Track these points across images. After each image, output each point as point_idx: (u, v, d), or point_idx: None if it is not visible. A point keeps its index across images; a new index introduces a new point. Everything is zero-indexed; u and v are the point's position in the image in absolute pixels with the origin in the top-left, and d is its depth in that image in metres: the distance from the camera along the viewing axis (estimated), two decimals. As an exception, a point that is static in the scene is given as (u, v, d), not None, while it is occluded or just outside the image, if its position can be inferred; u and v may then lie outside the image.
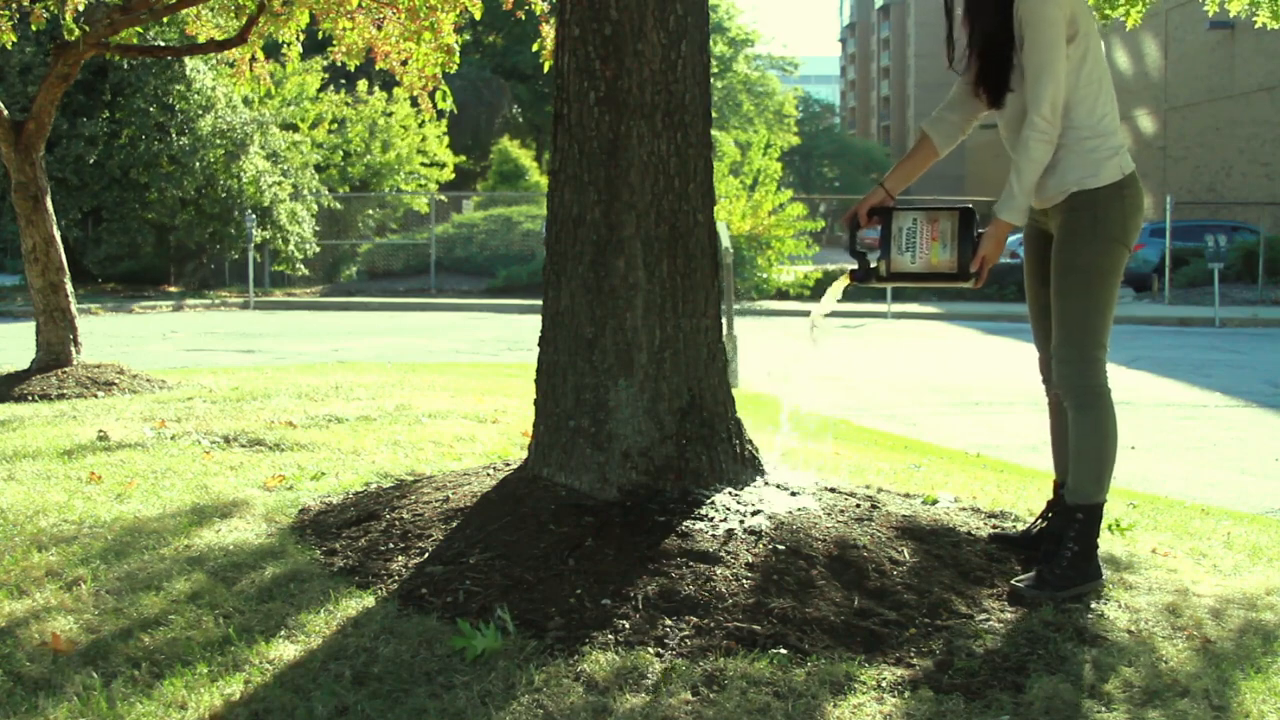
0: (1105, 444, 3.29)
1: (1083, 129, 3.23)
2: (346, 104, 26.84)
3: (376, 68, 8.10)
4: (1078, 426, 3.27)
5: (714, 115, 3.83)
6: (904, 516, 3.59)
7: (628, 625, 2.83)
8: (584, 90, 3.46)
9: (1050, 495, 3.66)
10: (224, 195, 22.15)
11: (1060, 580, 3.16)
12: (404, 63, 7.90)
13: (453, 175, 30.15)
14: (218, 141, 22.00)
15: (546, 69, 5.58)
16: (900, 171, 3.60)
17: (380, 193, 27.89)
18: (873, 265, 3.48)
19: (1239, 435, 7.86)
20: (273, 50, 8.69)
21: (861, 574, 3.14)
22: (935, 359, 13.28)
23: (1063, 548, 3.22)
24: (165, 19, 8.90)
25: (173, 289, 23.44)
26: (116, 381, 7.28)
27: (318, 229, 24.92)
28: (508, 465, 4.00)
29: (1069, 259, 3.26)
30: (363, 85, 27.27)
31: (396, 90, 11.08)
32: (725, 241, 9.59)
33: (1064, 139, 3.24)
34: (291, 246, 23.61)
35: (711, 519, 3.31)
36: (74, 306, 7.78)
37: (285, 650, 2.70)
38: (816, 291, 23.33)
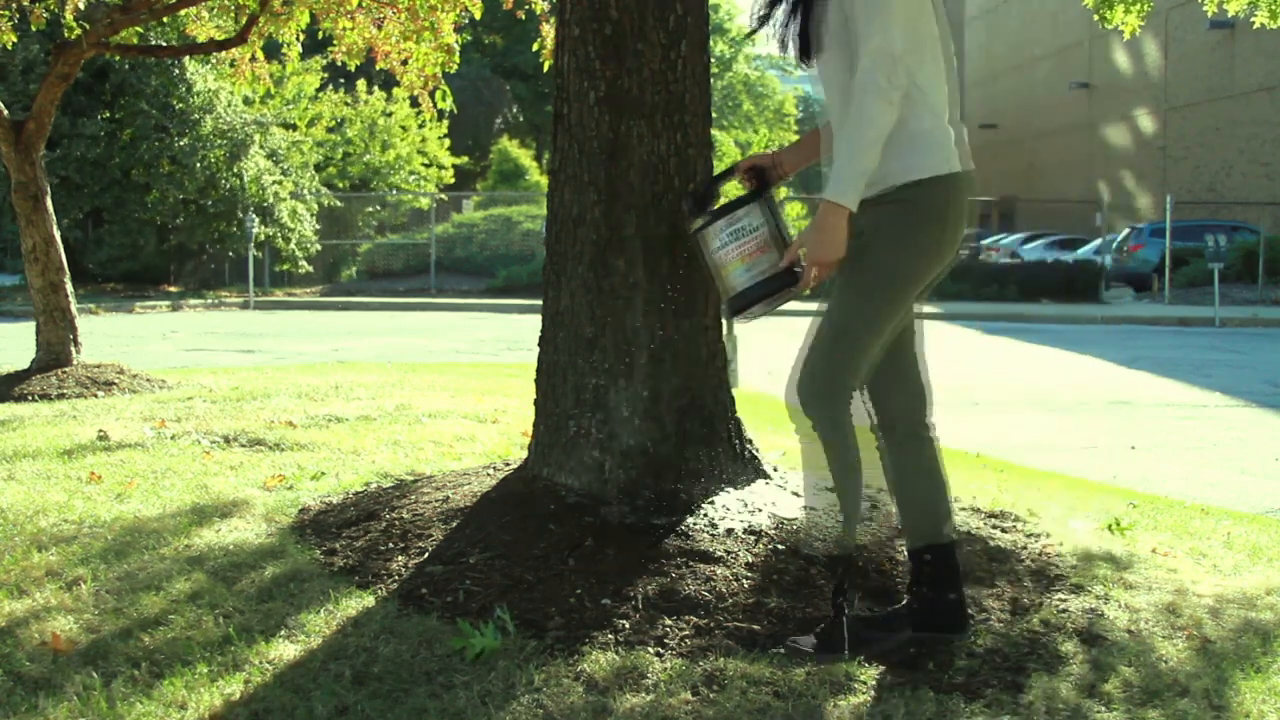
0: (844, 482, 2.83)
1: (923, 106, 2.66)
2: (346, 104, 26.84)
3: (376, 68, 8.10)
4: (829, 462, 2.81)
5: (714, 115, 3.83)
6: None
7: (628, 625, 2.83)
8: (584, 90, 3.46)
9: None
10: (225, 195, 22.15)
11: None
12: (404, 62, 7.90)
13: (453, 178, 30.14)
14: (218, 142, 22.00)
15: (546, 69, 5.58)
16: (802, 149, 3.08)
17: (380, 192, 27.88)
18: (695, 218, 2.98)
19: (1239, 435, 7.85)
20: (273, 50, 8.69)
21: (861, 574, 3.14)
22: (935, 359, 13.25)
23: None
24: (165, 19, 8.90)
25: (173, 289, 23.42)
26: (116, 381, 7.28)
27: (318, 228, 24.92)
28: (508, 465, 4.00)
29: (866, 260, 2.69)
30: (362, 85, 27.26)
31: (396, 90, 11.08)
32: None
33: (901, 114, 2.65)
34: (293, 245, 23.62)
35: (711, 519, 3.31)
36: (74, 306, 7.78)
37: (285, 650, 2.70)
38: (817, 292, 23.31)
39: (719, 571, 3.05)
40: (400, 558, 3.23)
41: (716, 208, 2.93)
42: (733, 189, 3.20)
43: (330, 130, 27.05)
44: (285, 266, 24.37)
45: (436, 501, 3.61)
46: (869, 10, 2.56)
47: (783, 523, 3.35)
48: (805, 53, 2.81)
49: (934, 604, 2.78)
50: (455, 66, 7.95)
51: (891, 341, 2.85)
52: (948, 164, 2.65)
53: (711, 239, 2.87)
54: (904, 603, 2.90)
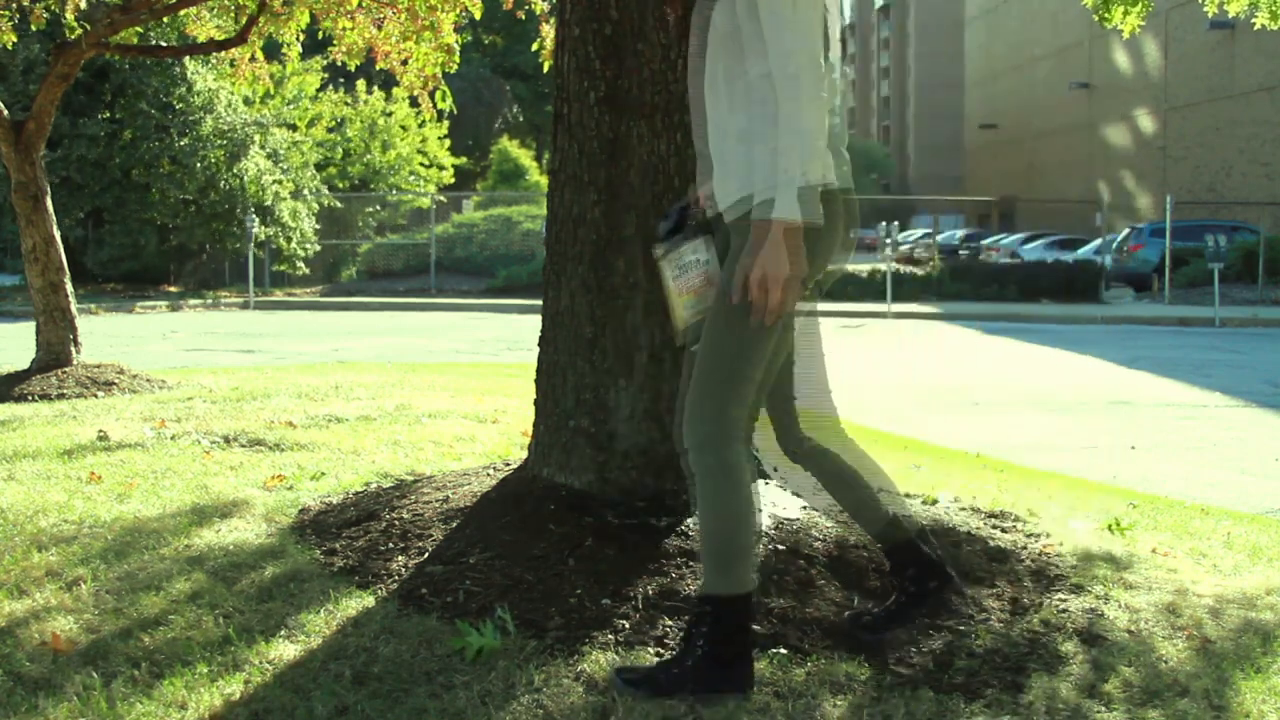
0: (726, 527, 2.55)
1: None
2: (346, 104, 26.84)
3: (376, 68, 8.10)
4: (701, 498, 2.58)
5: (714, 115, 3.83)
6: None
7: (628, 625, 2.83)
8: (584, 90, 3.46)
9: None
10: (225, 195, 22.15)
11: (672, 683, 2.52)
12: (404, 62, 7.90)
13: (453, 178, 30.14)
14: (218, 142, 22.00)
15: (546, 69, 5.58)
16: None
17: (380, 192, 27.88)
18: (659, 245, 2.81)
19: (1239, 435, 7.85)
20: (273, 50, 8.69)
21: (861, 574, 3.14)
22: (935, 359, 13.28)
23: (691, 644, 2.58)
24: (165, 19, 8.90)
25: (173, 289, 23.42)
26: (116, 381, 7.28)
27: (318, 228, 24.91)
28: (508, 465, 4.00)
29: (727, 284, 2.55)
30: (362, 85, 27.26)
31: (396, 90, 11.07)
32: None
33: (754, 127, 2.53)
34: (294, 244, 23.62)
35: (711, 519, 3.31)
36: (74, 306, 7.78)
37: (285, 650, 2.70)
38: (816, 292, 23.28)
39: (719, 571, 3.05)
40: (400, 558, 3.23)
41: (671, 239, 2.80)
42: None
43: (330, 130, 27.05)
44: (285, 267, 24.37)
45: (436, 501, 3.61)
46: (780, 20, 2.45)
47: (783, 523, 3.35)
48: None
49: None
50: (455, 66, 7.95)
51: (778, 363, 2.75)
52: (829, 179, 2.54)
53: (665, 269, 2.77)
54: (893, 599, 2.90)
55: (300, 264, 24.24)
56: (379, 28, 7.80)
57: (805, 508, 3.49)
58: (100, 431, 5.25)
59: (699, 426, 2.56)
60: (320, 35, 8.29)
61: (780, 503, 3.49)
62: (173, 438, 5.16)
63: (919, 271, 25.39)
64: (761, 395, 2.74)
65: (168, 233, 22.94)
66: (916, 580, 2.86)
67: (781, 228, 2.41)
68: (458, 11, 7.68)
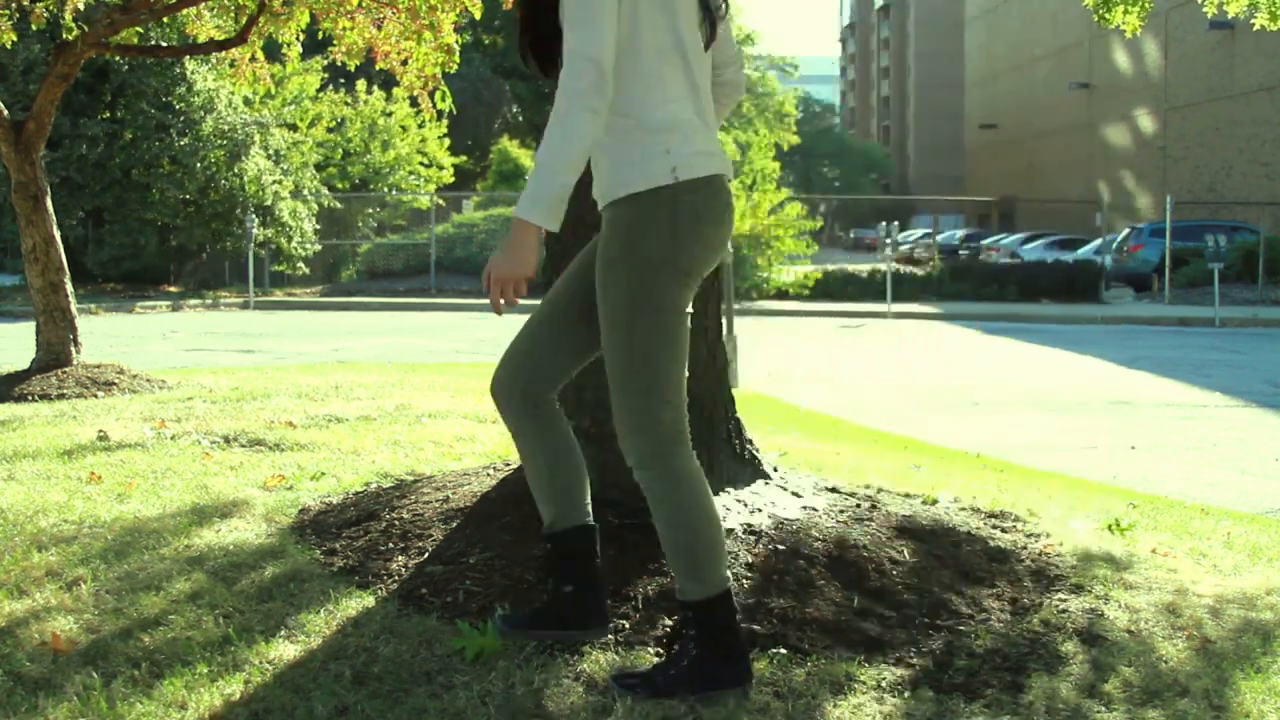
0: (687, 536, 2.53)
1: (635, 115, 2.49)
2: (346, 104, 26.84)
3: (376, 68, 8.09)
4: (655, 509, 2.56)
5: (714, 115, 3.82)
6: (904, 516, 3.59)
7: (628, 625, 2.83)
8: (584, 90, 3.45)
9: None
10: (225, 195, 22.15)
11: (671, 685, 2.51)
12: (404, 62, 7.89)
13: (452, 178, 30.13)
14: (219, 142, 22.00)
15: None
16: None
17: (380, 192, 27.88)
18: None
19: (1239, 435, 7.86)
20: (273, 50, 8.69)
21: (861, 574, 3.14)
22: (935, 359, 13.28)
23: (683, 645, 2.56)
24: (165, 19, 8.90)
25: (173, 289, 23.42)
26: (116, 381, 7.28)
27: (318, 228, 24.91)
28: (508, 465, 4.00)
29: (604, 290, 2.52)
30: (362, 85, 27.26)
31: (396, 90, 11.07)
32: (725, 241, 9.56)
33: (616, 126, 2.50)
34: (294, 244, 23.62)
35: (711, 519, 3.31)
36: (74, 306, 7.78)
37: (285, 650, 2.70)
38: (817, 292, 23.33)
39: (719, 571, 3.05)
40: (400, 558, 3.23)
41: None
42: None
43: (330, 130, 27.04)
44: (285, 267, 24.37)
45: (436, 501, 3.61)
46: (574, 15, 2.40)
47: (783, 523, 3.35)
48: (544, 67, 2.64)
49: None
50: (455, 66, 7.93)
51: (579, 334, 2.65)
52: (673, 174, 2.47)
53: None
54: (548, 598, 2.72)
55: (300, 264, 24.24)
56: (379, 28, 7.79)
57: (805, 508, 3.49)
58: (100, 431, 5.25)
59: (634, 443, 2.53)
60: (320, 35, 8.29)
61: (780, 503, 3.49)
62: (173, 438, 5.16)
63: (919, 271, 25.41)
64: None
65: (168, 233, 22.93)
66: (563, 582, 2.68)
67: (519, 226, 2.38)
68: (458, 11, 7.67)
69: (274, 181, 22.93)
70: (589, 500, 2.73)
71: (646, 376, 2.50)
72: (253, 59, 8.27)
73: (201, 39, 8.37)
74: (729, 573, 2.61)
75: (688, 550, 2.53)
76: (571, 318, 2.65)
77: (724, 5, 2.70)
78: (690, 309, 2.58)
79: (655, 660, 2.67)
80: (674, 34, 2.53)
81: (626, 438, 2.55)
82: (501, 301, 2.42)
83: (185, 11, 7.98)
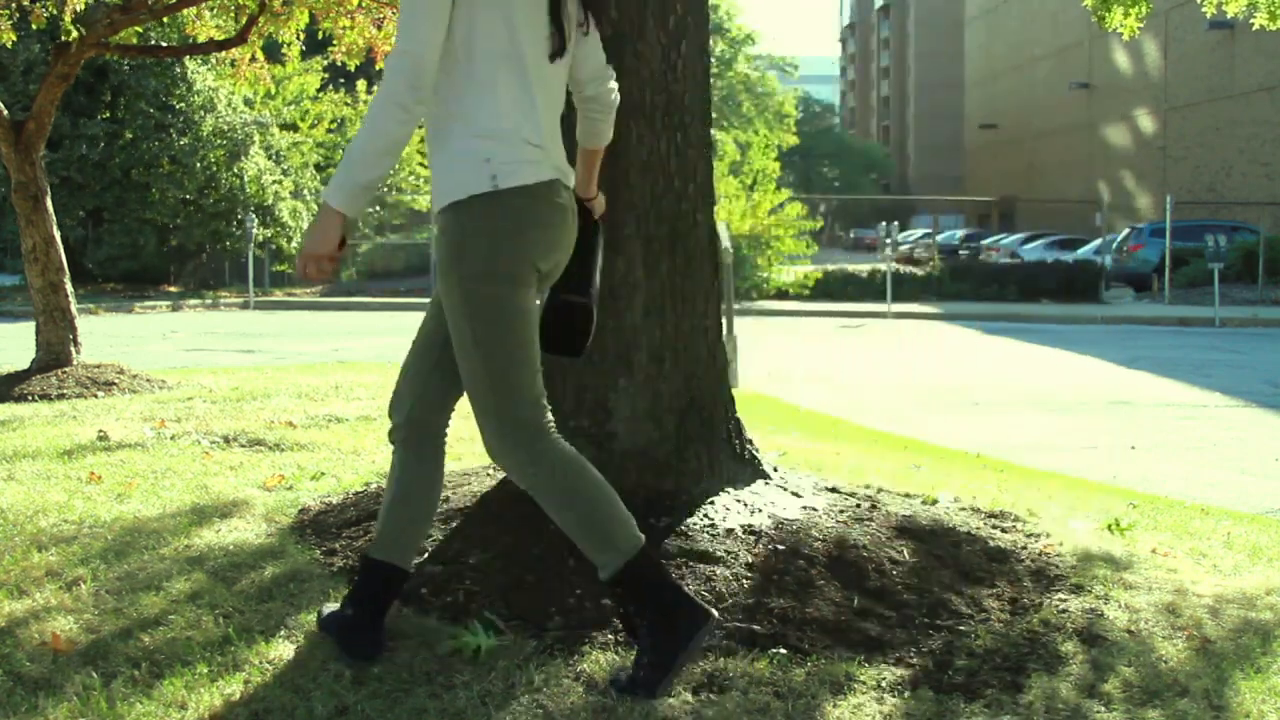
0: (582, 513, 2.56)
1: (466, 119, 2.49)
2: (346, 104, 26.83)
3: (376, 68, 8.09)
4: (544, 504, 2.61)
5: (714, 115, 3.83)
6: (904, 516, 3.59)
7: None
8: (584, 90, 3.46)
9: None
10: (225, 195, 22.15)
11: (654, 675, 2.51)
12: (404, 63, 7.89)
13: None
14: (218, 142, 22.01)
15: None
16: (581, 173, 2.92)
17: (380, 192, 27.87)
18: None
19: (1239, 435, 7.86)
20: (273, 50, 8.69)
21: (861, 574, 3.14)
22: (935, 359, 13.28)
23: (641, 632, 2.56)
24: (165, 19, 8.89)
25: (173, 289, 23.41)
26: (116, 381, 7.28)
27: (318, 229, 24.90)
28: (508, 465, 3.99)
29: (444, 299, 2.56)
30: (362, 85, 27.25)
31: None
32: (725, 241, 9.58)
33: (445, 131, 2.52)
34: (294, 245, 23.63)
35: (711, 519, 3.31)
36: (74, 306, 7.78)
37: (285, 650, 2.70)
38: (817, 292, 23.33)
39: (719, 571, 3.05)
40: (400, 558, 3.22)
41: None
42: None
43: (330, 130, 27.04)
44: (285, 267, 24.37)
45: (436, 501, 3.61)
46: (401, 14, 2.43)
47: (783, 523, 3.35)
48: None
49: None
50: (455, 66, 7.93)
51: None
52: (493, 182, 2.46)
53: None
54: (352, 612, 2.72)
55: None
56: (379, 28, 7.80)
57: (805, 508, 3.49)
58: (100, 431, 5.25)
59: (499, 446, 2.56)
60: (320, 35, 8.29)
61: (780, 503, 3.49)
62: (173, 438, 5.16)
63: (919, 271, 25.41)
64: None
65: (168, 232, 22.94)
66: (349, 604, 2.72)
67: (323, 208, 2.46)
68: (458, 12, 7.67)
69: (274, 181, 22.94)
70: (415, 554, 2.77)
71: (494, 378, 2.52)
72: (253, 59, 8.27)
73: (201, 39, 8.37)
74: (639, 532, 2.59)
75: (589, 523, 2.55)
76: (439, 344, 2.70)
77: (586, 21, 2.69)
78: (538, 301, 2.61)
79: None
80: (511, 42, 2.51)
81: (490, 443, 2.57)
82: (308, 274, 2.48)
83: (185, 11, 7.98)
